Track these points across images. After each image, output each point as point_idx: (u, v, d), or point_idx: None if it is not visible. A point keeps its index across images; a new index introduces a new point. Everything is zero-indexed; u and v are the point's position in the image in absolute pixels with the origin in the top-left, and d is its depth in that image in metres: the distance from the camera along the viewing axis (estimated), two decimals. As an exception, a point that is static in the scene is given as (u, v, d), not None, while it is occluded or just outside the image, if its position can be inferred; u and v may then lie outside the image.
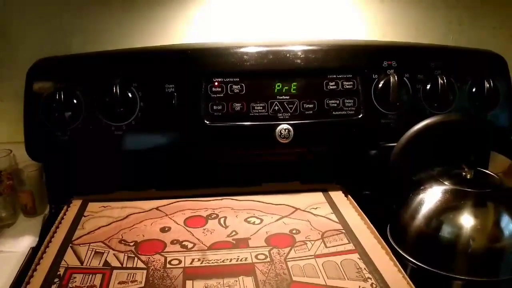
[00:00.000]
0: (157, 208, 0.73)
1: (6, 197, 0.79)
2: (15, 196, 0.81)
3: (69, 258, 0.60)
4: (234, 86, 0.75)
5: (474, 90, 0.79)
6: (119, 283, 0.55)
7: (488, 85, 0.78)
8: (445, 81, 0.76)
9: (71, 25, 0.84)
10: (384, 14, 0.90)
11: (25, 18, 0.84)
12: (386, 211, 0.71)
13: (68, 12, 0.84)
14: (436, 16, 0.91)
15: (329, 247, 0.63)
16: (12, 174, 0.80)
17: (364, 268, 0.58)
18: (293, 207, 0.73)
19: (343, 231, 0.67)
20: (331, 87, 0.76)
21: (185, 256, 0.60)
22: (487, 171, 0.69)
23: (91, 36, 0.85)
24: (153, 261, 0.59)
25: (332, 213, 0.72)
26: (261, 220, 0.69)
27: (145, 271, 0.57)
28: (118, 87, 0.71)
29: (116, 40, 0.85)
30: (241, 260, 0.60)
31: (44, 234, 0.69)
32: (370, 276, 0.56)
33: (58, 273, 0.57)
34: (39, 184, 0.82)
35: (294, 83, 0.76)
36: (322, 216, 0.71)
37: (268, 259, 0.60)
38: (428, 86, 0.77)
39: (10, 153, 0.80)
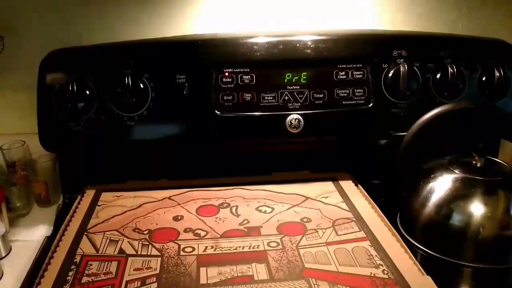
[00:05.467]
0: (169, 198, 0.74)
1: (21, 187, 0.80)
2: (29, 186, 0.82)
3: (85, 246, 0.61)
4: (245, 77, 0.75)
5: (484, 78, 0.79)
6: (135, 269, 0.56)
7: (498, 74, 0.77)
8: (455, 70, 0.76)
9: (81, 17, 0.85)
10: (394, 3, 0.90)
11: (35, 9, 0.84)
12: (396, 200, 0.71)
13: (78, 4, 0.84)
14: (446, 3, 0.90)
15: (340, 234, 0.63)
16: (26, 165, 0.81)
17: (376, 255, 0.58)
18: (303, 196, 0.74)
19: (354, 219, 0.67)
20: (341, 76, 0.76)
21: (198, 244, 0.61)
22: (497, 159, 0.69)
23: (101, 28, 0.85)
24: (167, 248, 0.60)
25: (342, 201, 0.72)
26: (272, 209, 0.70)
27: (159, 258, 0.58)
28: (130, 78, 0.72)
29: (127, 32, 0.85)
30: (253, 248, 0.60)
31: (58, 223, 0.71)
32: (382, 262, 0.57)
33: (75, 260, 0.58)
34: (53, 174, 0.82)
35: (304, 73, 0.76)
36: (333, 205, 0.71)
37: (280, 246, 0.61)
38: (438, 75, 0.77)
39: (23, 144, 0.81)
